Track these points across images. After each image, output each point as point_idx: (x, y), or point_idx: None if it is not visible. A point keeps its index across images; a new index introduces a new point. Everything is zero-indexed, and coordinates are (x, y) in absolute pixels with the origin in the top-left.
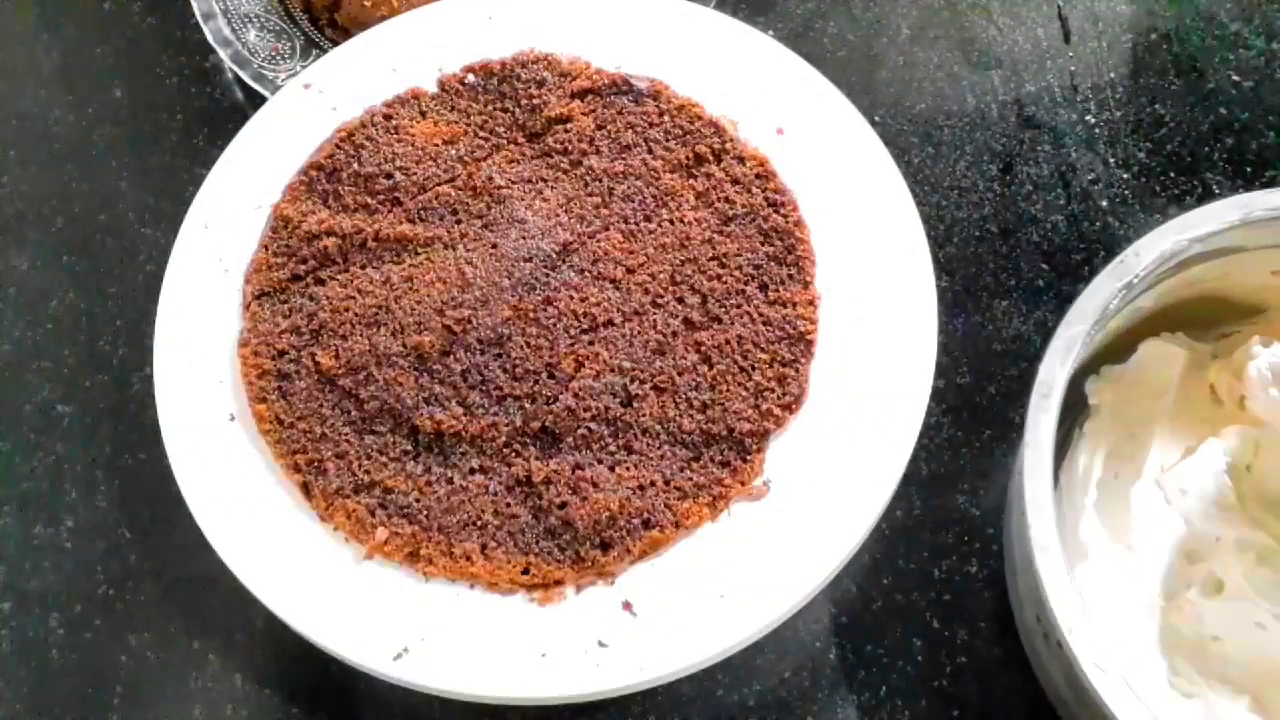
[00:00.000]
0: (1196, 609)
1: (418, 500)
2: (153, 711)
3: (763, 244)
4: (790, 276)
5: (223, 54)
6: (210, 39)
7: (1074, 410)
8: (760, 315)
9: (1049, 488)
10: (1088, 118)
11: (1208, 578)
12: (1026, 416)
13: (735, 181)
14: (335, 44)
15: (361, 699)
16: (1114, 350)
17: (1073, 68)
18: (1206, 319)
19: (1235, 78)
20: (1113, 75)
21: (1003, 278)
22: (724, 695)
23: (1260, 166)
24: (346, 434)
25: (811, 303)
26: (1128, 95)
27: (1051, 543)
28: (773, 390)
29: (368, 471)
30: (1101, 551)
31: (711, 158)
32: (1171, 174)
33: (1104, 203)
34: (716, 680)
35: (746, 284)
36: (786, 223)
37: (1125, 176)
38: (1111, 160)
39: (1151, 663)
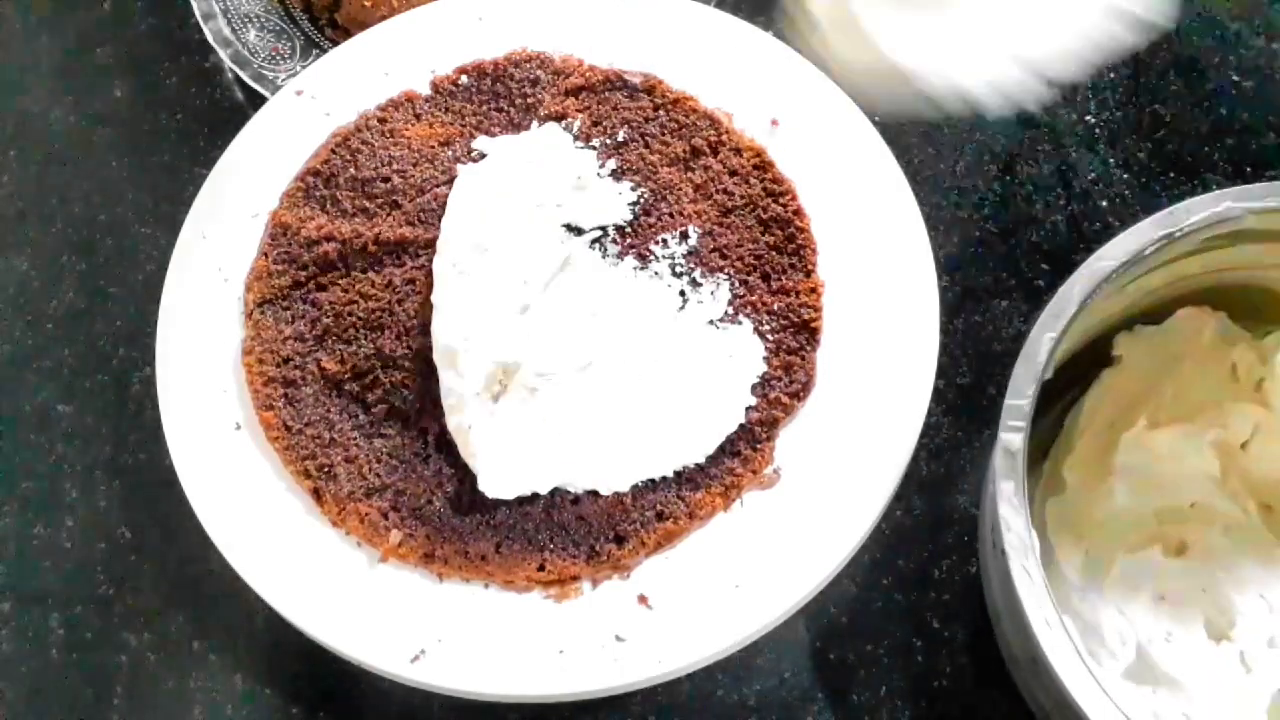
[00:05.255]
0: (1155, 565)
1: (430, 501)
2: (153, 711)
3: (763, 234)
4: (792, 265)
5: (223, 54)
6: (210, 39)
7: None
8: (764, 305)
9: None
10: (1088, 118)
11: (1172, 539)
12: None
13: (733, 173)
14: (335, 44)
15: (361, 698)
16: (1153, 316)
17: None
18: (1257, 314)
19: (1235, 78)
20: (1113, 75)
21: (1003, 278)
22: (724, 695)
23: (1260, 166)
24: (355, 438)
25: (814, 291)
26: (1128, 95)
27: (1036, 575)
28: (780, 379)
29: (378, 475)
30: (1079, 487)
31: (708, 150)
32: (1171, 174)
33: (1104, 203)
34: (716, 680)
35: (749, 274)
36: (786, 212)
37: (1125, 176)
38: (1111, 160)
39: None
